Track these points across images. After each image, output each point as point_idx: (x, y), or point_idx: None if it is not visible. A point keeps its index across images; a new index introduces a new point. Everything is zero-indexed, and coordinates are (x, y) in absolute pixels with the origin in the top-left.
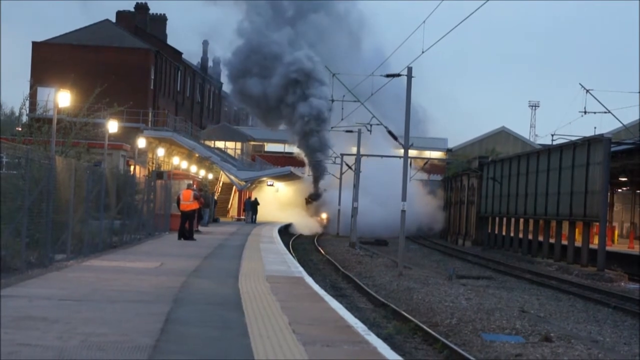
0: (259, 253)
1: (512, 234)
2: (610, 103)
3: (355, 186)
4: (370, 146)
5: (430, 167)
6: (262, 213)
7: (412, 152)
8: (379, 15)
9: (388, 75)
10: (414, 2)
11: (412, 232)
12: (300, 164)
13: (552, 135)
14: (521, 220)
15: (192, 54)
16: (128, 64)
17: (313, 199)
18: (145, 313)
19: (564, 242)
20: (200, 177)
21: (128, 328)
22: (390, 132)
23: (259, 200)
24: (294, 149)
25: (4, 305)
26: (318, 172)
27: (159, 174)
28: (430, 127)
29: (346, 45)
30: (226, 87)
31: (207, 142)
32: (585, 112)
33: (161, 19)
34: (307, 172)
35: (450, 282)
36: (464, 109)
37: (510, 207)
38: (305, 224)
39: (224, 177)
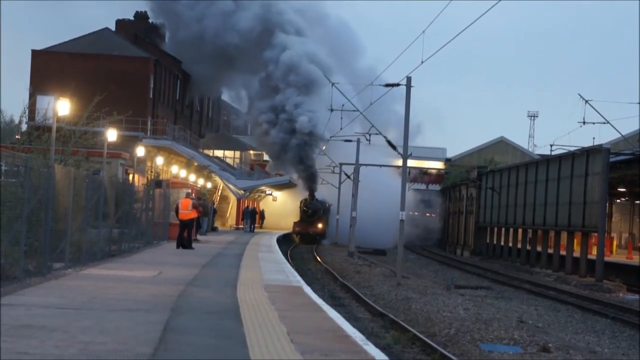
0: (257, 262)
1: (510, 244)
2: (609, 114)
3: (354, 196)
4: (370, 156)
5: (428, 177)
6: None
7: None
8: (380, 25)
9: (387, 85)
10: (413, 12)
11: (410, 241)
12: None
13: (551, 146)
14: (520, 230)
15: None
16: (127, 73)
17: (310, 209)
18: (144, 322)
19: (563, 252)
20: (198, 185)
21: (126, 337)
22: (389, 142)
23: (258, 210)
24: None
25: (3, 314)
26: (311, 180)
27: (157, 183)
28: (426, 135)
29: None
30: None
31: (206, 151)
32: (584, 123)
33: (161, 28)
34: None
35: (448, 292)
36: (462, 118)
37: (508, 217)
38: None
39: (222, 186)
